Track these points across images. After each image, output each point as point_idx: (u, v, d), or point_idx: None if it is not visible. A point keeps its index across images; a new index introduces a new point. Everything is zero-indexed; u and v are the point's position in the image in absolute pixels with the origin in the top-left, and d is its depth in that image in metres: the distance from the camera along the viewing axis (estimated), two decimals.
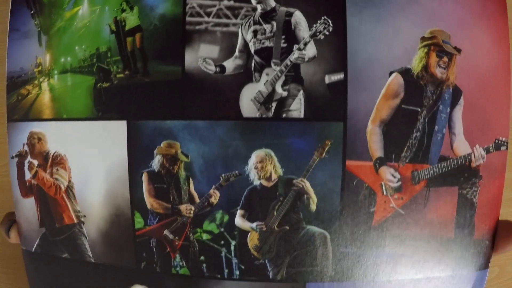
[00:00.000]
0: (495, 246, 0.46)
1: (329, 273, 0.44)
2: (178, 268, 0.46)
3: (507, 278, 0.87)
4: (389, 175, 0.43)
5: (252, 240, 0.44)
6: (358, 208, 0.43)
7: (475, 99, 0.43)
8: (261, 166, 0.41)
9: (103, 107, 0.44)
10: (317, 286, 0.45)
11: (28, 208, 0.50)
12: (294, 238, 0.44)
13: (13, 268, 0.73)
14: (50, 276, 0.51)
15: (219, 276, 0.45)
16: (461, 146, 0.43)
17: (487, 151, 0.43)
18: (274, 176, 0.42)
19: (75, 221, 0.48)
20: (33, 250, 0.51)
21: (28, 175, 0.48)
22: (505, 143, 0.44)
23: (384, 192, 0.43)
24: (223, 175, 0.42)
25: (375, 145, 0.42)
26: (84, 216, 0.47)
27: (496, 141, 0.43)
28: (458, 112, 0.43)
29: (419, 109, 0.42)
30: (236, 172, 0.42)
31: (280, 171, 0.42)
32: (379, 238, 0.44)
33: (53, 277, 0.50)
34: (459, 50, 0.42)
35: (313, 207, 0.42)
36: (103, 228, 0.47)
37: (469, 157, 0.43)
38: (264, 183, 0.43)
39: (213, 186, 0.42)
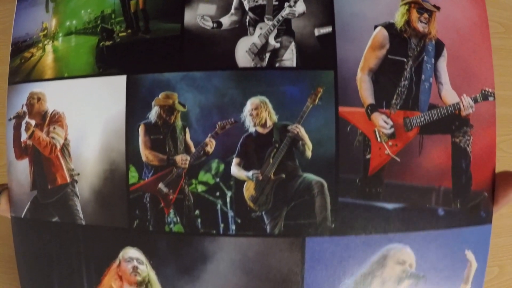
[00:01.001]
0: (495, 199, 0.45)
1: (328, 226, 0.43)
2: (171, 225, 0.45)
3: (507, 278, 0.84)
4: (381, 121, 0.43)
5: (248, 190, 0.43)
6: (354, 155, 0.43)
7: (457, 52, 0.45)
8: (256, 113, 0.42)
9: (104, 64, 0.45)
10: (317, 241, 0.44)
11: (21, 170, 0.49)
12: (291, 187, 0.43)
13: (13, 268, 0.70)
14: (38, 243, 0.48)
15: (214, 232, 0.44)
16: (449, 95, 0.44)
17: (475, 100, 0.45)
18: (269, 123, 0.43)
19: (68, 180, 0.47)
20: (22, 216, 0.49)
21: (24, 136, 0.48)
22: (492, 94, 0.45)
23: (378, 139, 0.44)
24: (219, 123, 0.42)
25: (366, 92, 0.43)
26: (78, 174, 0.46)
27: (483, 91, 0.45)
28: (442, 63, 0.45)
29: (405, 59, 0.44)
30: (232, 119, 0.42)
31: (275, 117, 0.43)
32: (376, 187, 0.44)
33: (42, 244, 0.48)
34: (438, 8, 0.45)
35: (309, 153, 0.42)
36: (96, 186, 0.46)
37: (458, 106, 0.44)
38: (260, 129, 0.43)
39: (209, 135, 0.43)
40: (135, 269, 0.47)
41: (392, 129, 0.44)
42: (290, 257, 0.44)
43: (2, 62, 0.92)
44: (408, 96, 0.44)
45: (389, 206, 0.44)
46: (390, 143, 0.44)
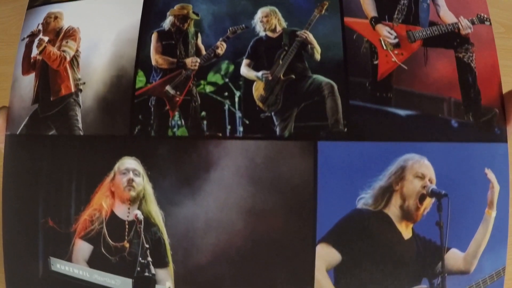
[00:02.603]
0: (507, 117, 0.44)
1: (341, 130, 0.41)
2: (175, 129, 0.42)
3: (507, 278, 0.77)
4: (385, 32, 0.45)
5: (258, 90, 0.42)
6: (361, 60, 0.44)
7: None
8: (267, 20, 0.44)
9: None
10: (330, 145, 0.41)
11: (25, 85, 0.48)
12: (301, 87, 0.42)
13: None
14: (30, 159, 0.45)
15: (220, 134, 0.41)
16: (447, 15, 0.47)
17: (472, 22, 0.47)
18: (278, 28, 0.44)
19: (73, 90, 0.46)
20: (18, 132, 0.46)
21: (35, 52, 0.48)
22: (488, 19, 0.48)
23: (384, 47, 0.45)
24: (230, 28, 0.44)
25: (369, 6, 0.46)
26: (84, 83, 0.46)
27: (478, 15, 0.48)
28: None
29: None
30: (243, 25, 0.44)
31: (284, 24, 0.44)
32: (387, 92, 0.43)
33: (33, 160, 0.45)
34: None
35: (318, 56, 0.43)
36: (101, 93, 0.45)
37: (456, 25, 0.47)
38: (270, 34, 0.44)
39: (220, 39, 0.44)
40: (130, 182, 0.43)
41: (397, 40, 0.45)
42: (302, 164, 0.41)
43: (2, 62, 0.95)
44: (408, 13, 0.46)
45: (402, 112, 0.43)
46: (396, 52, 0.45)
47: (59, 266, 0.44)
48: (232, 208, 0.40)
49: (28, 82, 0.48)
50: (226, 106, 0.42)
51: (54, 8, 0.50)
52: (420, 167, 0.43)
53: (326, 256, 0.41)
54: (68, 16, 0.49)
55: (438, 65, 0.45)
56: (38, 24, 0.50)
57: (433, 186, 0.43)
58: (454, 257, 0.43)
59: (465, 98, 0.45)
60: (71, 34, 0.48)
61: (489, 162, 0.44)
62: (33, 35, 0.49)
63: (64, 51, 0.47)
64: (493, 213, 0.43)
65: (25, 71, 0.48)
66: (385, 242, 0.42)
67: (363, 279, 0.42)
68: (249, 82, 0.43)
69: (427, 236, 0.43)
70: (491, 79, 0.46)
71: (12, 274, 0.46)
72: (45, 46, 0.48)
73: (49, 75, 0.47)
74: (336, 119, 0.41)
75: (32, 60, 0.49)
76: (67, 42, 0.48)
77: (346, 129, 0.41)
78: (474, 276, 0.43)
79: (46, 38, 0.49)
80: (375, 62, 0.44)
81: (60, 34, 0.48)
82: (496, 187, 0.44)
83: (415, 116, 0.43)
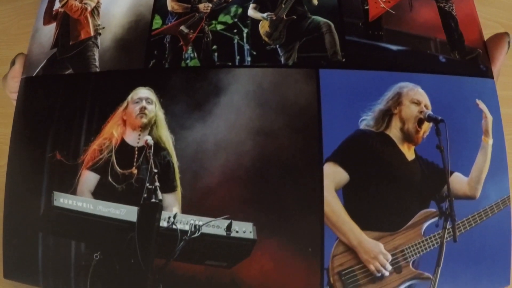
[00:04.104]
0: (491, 56, 0.49)
1: (339, 60, 0.45)
2: (188, 61, 0.45)
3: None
4: None
5: (263, 28, 0.46)
6: (354, 5, 0.49)
7: None
8: None
9: None
10: (330, 73, 0.44)
11: (45, 33, 0.51)
12: (301, 26, 0.47)
13: None
14: (44, 98, 0.46)
15: (230, 64, 0.44)
16: None
17: None
18: None
19: (92, 34, 0.49)
20: (34, 74, 0.48)
21: (57, 6, 0.52)
22: None
23: None
24: None
25: None
26: (103, 27, 0.49)
27: None
28: None
29: None
30: None
31: None
32: (378, 30, 0.48)
33: (47, 99, 0.46)
34: None
35: (315, 1, 0.49)
36: (119, 35, 0.48)
37: None
38: None
39: None
40: (142, 109, 0.44)
41: None
42: (305, 88, 0.44)
43: (2, 62, 0.94)
44: None
45: (393, 47, 0.47)
46: (383, 0, 0.51)
47: (62, 200, 0.44)
48: (241, 129, 0.42)
49: (48, 31, 0.52)
50: (235, 41, 0.46)
51: None
52: (415, 94, 0.46)
53: (333, 175, 0.42)
54: None
55: (423, 11, 0.51)
56: None
57: (429, 111, 0.45)
58: (458, 181, 0.44)
59: (450, 39, 0.50)
60: None
61: (479, 95, 0.47)
62: None
63: (85, 3, 0.52)
64: (490, 141, 0.46)
65: (47, 22, 0.52)
66: (389, 161, 0.44)
67: (372, 201, 0.42)
68: (255, 22, 0.48)
69: (430, 159, 0.44)
70: (471, 25, 0.52)
71: (12, 212, 0.45)
72: (67, 0, 0.53)
73: (69, 23, 0.51)
74: (335, 51, 0.45)
75: (54, 12, 0.53)
76: None
77: (344, 60, 0.45)
78: (481, 202, 0.44)
79: None
80: (366, 7, 0.50)
81: None
82: (489, 117, 0.46)
83: (406, 51, 0.47)
